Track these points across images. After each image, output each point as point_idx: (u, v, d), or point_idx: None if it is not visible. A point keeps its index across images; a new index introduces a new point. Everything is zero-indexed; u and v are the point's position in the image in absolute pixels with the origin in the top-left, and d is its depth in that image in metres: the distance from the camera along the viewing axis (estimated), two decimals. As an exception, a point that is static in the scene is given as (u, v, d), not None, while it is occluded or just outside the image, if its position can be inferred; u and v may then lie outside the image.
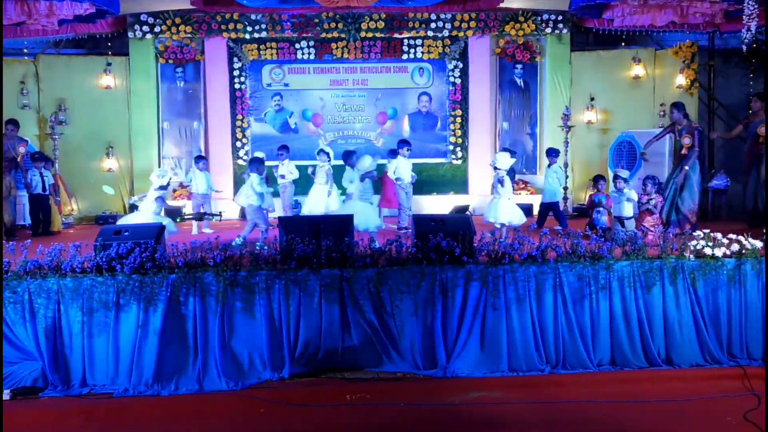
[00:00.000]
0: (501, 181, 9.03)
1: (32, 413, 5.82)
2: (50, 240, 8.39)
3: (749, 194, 10.08)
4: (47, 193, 10.78)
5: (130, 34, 12.70)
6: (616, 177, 8.92)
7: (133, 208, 10.54)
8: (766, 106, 9.98)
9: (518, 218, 9.02)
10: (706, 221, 10.07)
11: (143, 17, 12.61)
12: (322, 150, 10.59)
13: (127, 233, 6.74)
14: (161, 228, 7.04)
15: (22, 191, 10.98)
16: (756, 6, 8.05)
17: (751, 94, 12.86)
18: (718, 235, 7.08)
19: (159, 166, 13.06)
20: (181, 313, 6.42)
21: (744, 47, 8.71)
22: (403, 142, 10.86)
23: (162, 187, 8.87)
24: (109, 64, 12.82)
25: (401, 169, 10.50)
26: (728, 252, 6.88)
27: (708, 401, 5.97)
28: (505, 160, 9.15)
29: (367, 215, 8.95)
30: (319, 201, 10.00)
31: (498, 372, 6.63)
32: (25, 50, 12.55)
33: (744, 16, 8.17)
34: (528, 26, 13.07)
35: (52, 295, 6.29)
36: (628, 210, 8.61)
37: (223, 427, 5.68)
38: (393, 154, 11.09)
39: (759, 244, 6.98)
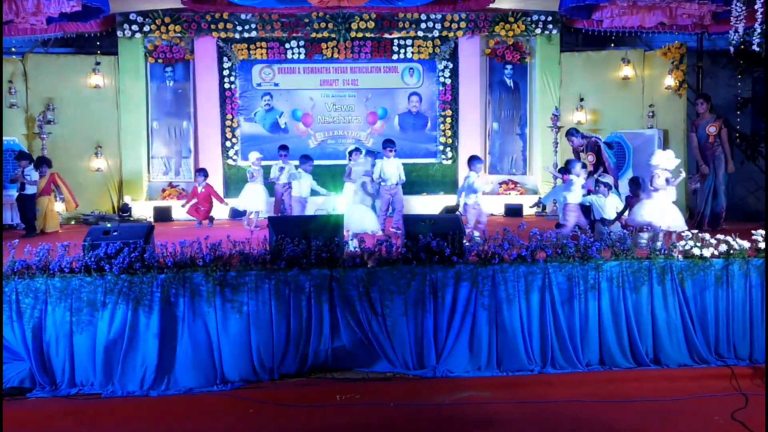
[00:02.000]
0: (652, 180, 8.00)
1: (20, 414, 5.77)
2: (39, 240, 8.35)
3: (702, 196, 10.11)
4: (26, 192, 10.52)
5: (119, 33, 12.66)
6: (597, 183, 8.99)
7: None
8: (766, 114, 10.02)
9: (682, 224, 7.97)
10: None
11: (132, 16, 12.57)
12: (357, 149, 10.44)
13: (116, 233, 6.71)
14: (150, 228, 7.01)
15: (9, 190, 10.91)
16: (743, 8, 8.10)
17: (739, 95, 12.98)
18: (706, 236, 7.12)
19: (149, 167, 13.04)
20: (171, 313, 6.39)
21: (731, 49, 8.76)
22: (388, 142, 10.66)
23: (367, 173, 9.23)
24: (97, 63, 12.77)
25: (386, 170, 10.28)
26: (716, 252, 6.92)
27: (696, 401, 6.00)
28: (671, 160, 8.01)
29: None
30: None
31: (487, 372, 6.64)
32: (13, 49, 12.47)
33: (732, 18, 8.21)
34: (518, 27, 13.12)
35: (40, 295, 6.25)
36: (611, 213, 8.69)
37: (213, 428, 5.66)
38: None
39: (747, 244, 7.03)
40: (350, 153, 10.56)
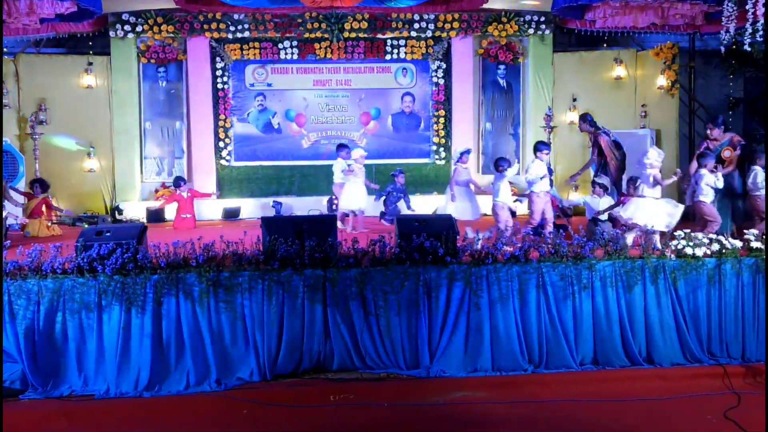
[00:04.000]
0: None
1: (13, 415, 5.73)
2: (32, 241, 8.31)
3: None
4: None
5: (112, 34, 12.59)
6: (594, 183, 9.02)
7: None
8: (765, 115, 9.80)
9: None
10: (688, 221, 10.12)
11: (125, 16, 12.51)
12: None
13: (108, 234, 6.69)
14: (143, 228, 7.00)
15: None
16: (735, 8, 8.13)
17: (731, 95, 13.01)
18: (699, 235, 7.14)
19: (142, 168, 12.99)
20: (164, 313, 6.38)
21: (722, 49, 8.79)
22: (543, 144, 9.28)
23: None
24: (90, 64, 12.70)
25: (540, 173, 8.80)
26: (708, 252, 6.94)
27: (689, 400, 6.02)
28: None
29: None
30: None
31: (481, 372, 6.66)
32: (5, 49, 12.39)
33: (723, 18, 8.25)
34: (511, 27, 13.12)
35: (33, 297, 6.24)
36: (602, 214, 8.77)
37: (207, 429, 5.66)
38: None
39: (739, 243, 7.05)
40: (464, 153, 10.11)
